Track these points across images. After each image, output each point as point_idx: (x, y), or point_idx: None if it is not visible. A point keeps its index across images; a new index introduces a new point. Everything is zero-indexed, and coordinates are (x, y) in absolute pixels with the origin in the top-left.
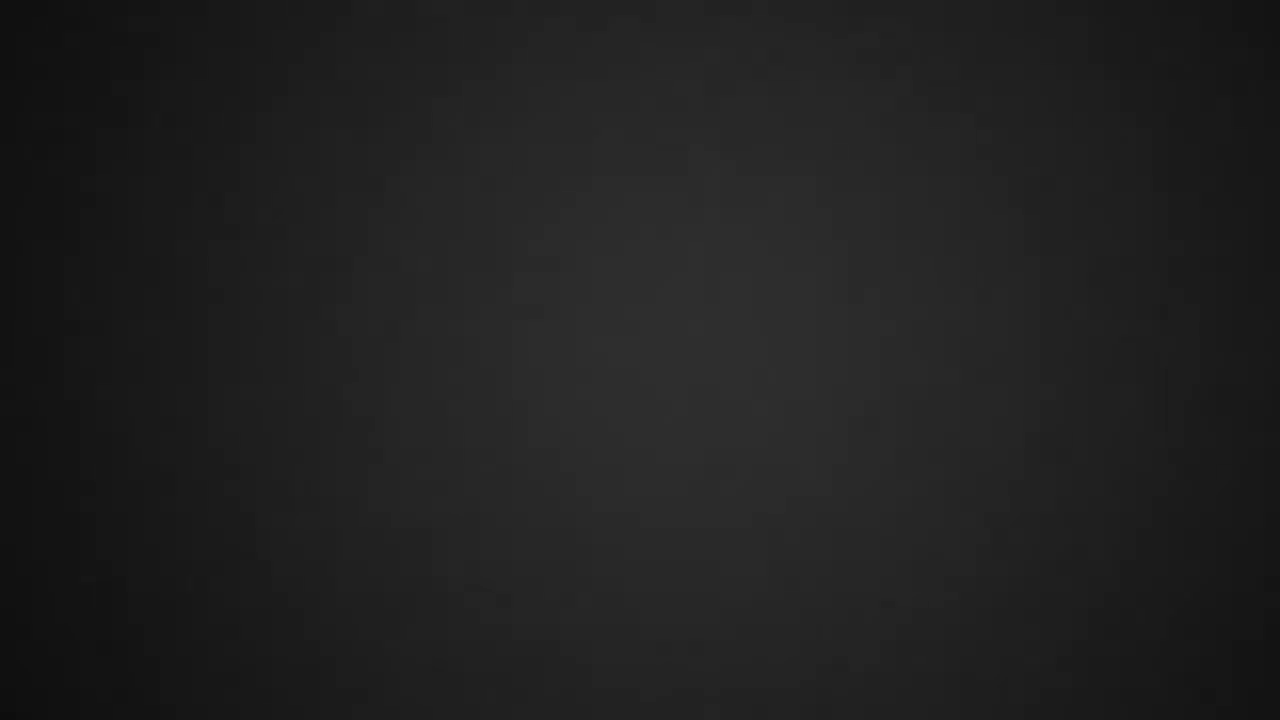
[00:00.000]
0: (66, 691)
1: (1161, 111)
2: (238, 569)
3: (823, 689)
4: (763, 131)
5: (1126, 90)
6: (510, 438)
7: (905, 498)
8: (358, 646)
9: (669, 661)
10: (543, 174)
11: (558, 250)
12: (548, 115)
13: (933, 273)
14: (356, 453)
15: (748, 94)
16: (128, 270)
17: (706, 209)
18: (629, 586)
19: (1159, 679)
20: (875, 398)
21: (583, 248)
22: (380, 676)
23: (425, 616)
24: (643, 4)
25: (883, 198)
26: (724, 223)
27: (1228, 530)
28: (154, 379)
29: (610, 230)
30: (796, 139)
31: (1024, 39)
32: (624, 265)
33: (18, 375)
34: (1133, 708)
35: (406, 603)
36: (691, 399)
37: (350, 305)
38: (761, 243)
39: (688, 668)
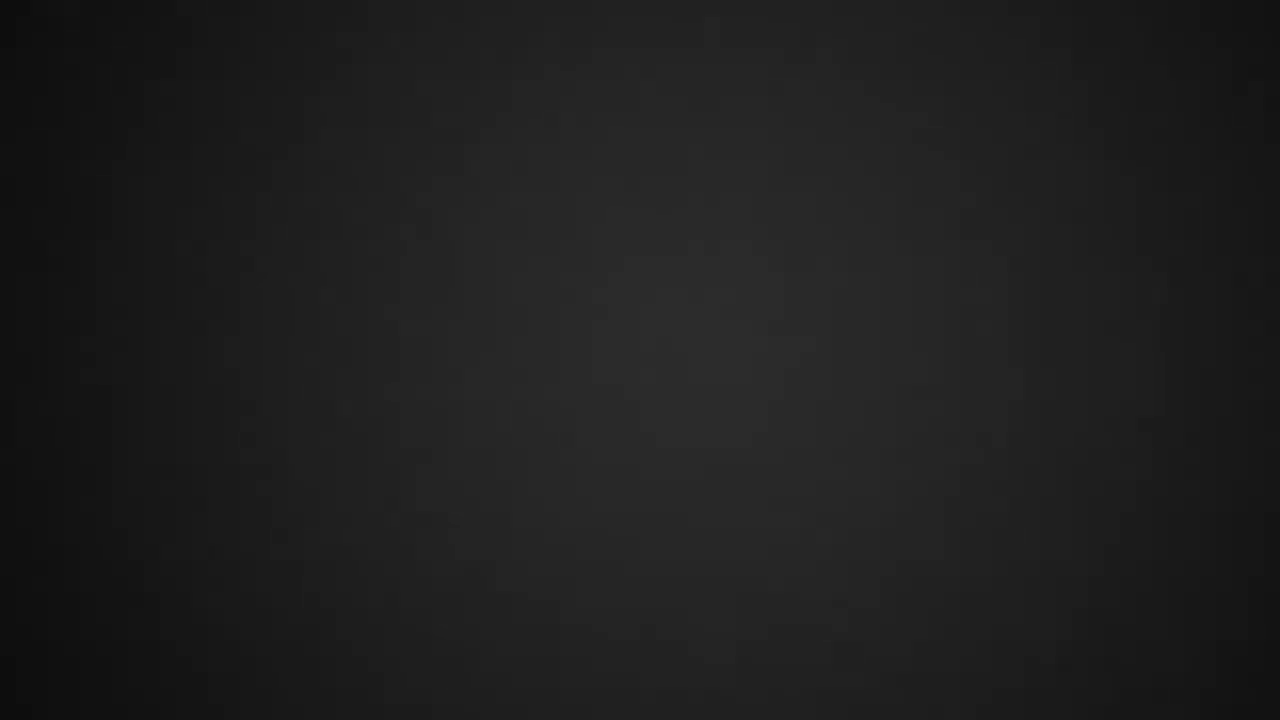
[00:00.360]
0: (66, 692)
1: (1160, 110)
2: (238, 568)
3: (821, 688)
4: (760, 133)
5: (1125, 89)
6: (510, 437)
7: (904, 498)
8: (356, 646)
9: (668, 661)
10: (544, 175)
11: (558, 251)
12: (551, 117)
13: (930, 273)
14: (355, 451)
15: (745, 94)
16: (129, 270)
17: (706, 210)
18: (628, 585)
19: (1157, 679)
20: (874, 398)
21: (583, 249)
22: (379, 676)
23: (423, 615)
24: (642, 6)
25: (881, 197)
26: (723, 224)
27: (1227, 530)
28: (153, 379)
29: (609, 231)
30: (792, 140)
31: (1020, 36)
32: (623, 265)
33: (17, 375)
34: (1131, 707)
35: (405, 602)
36: (689, 400)
37: (350, 305)
38: (759, 243)
39: (686, 667)
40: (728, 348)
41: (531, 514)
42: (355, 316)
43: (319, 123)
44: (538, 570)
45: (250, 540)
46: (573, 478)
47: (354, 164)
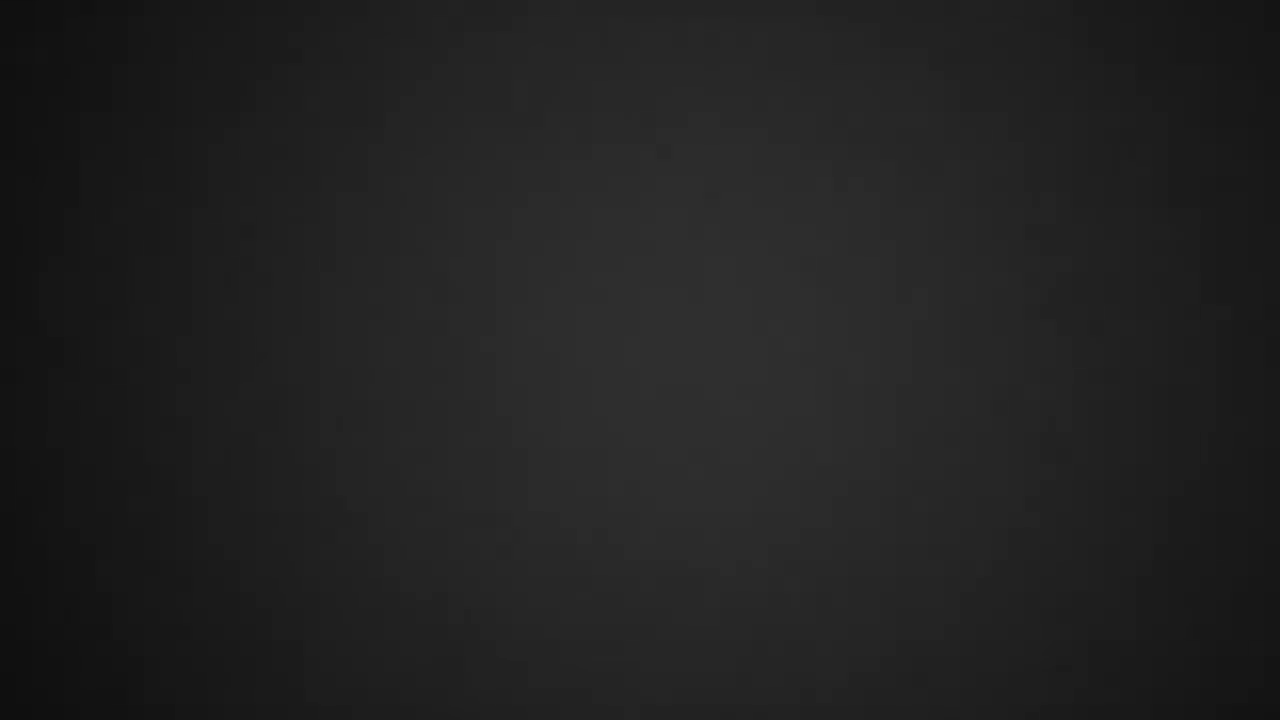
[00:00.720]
0: (66, 691)
1: (1161, 111)
2: (237, 568)
3: (822, 689)
4: (763, 133)
5: (1126, 89)
6: (509, 437)
7: (906, 500)
8: (353, 646)
9: (668, 661)
10: (543, 173)
11: (557, 250)
12: (551, 114)
13: (935, 271)
14: (355, 451)
15: (749, 92)
16: (124, 269)
17: (707, 208)
18: (629, 586)
19: (1158, 679)
20: (876, 398)
21: (585, 247)
22: (377, 676)
23: (424, 615)
24: (643, 4)
25: (883, 196)
26: (723, 222)
27: (1228, 531)
28: (151, 378)
29: (611, 228)
30: (796, 137)
31: (1025, 34)
32: (625, 263)
33: (18, 375)
34: (1132, 708)
35: (404, 602)
36: (690, 400)
37: (347, 304)
38: (762, 242)
39: (687, 668)
40: (729, 348)
41: (530, 514)
42: (351, 315)
43: (315, 121)
44: (537, 572)
45: (246, 540)
46: (572, 478)
47: (351, 162)
